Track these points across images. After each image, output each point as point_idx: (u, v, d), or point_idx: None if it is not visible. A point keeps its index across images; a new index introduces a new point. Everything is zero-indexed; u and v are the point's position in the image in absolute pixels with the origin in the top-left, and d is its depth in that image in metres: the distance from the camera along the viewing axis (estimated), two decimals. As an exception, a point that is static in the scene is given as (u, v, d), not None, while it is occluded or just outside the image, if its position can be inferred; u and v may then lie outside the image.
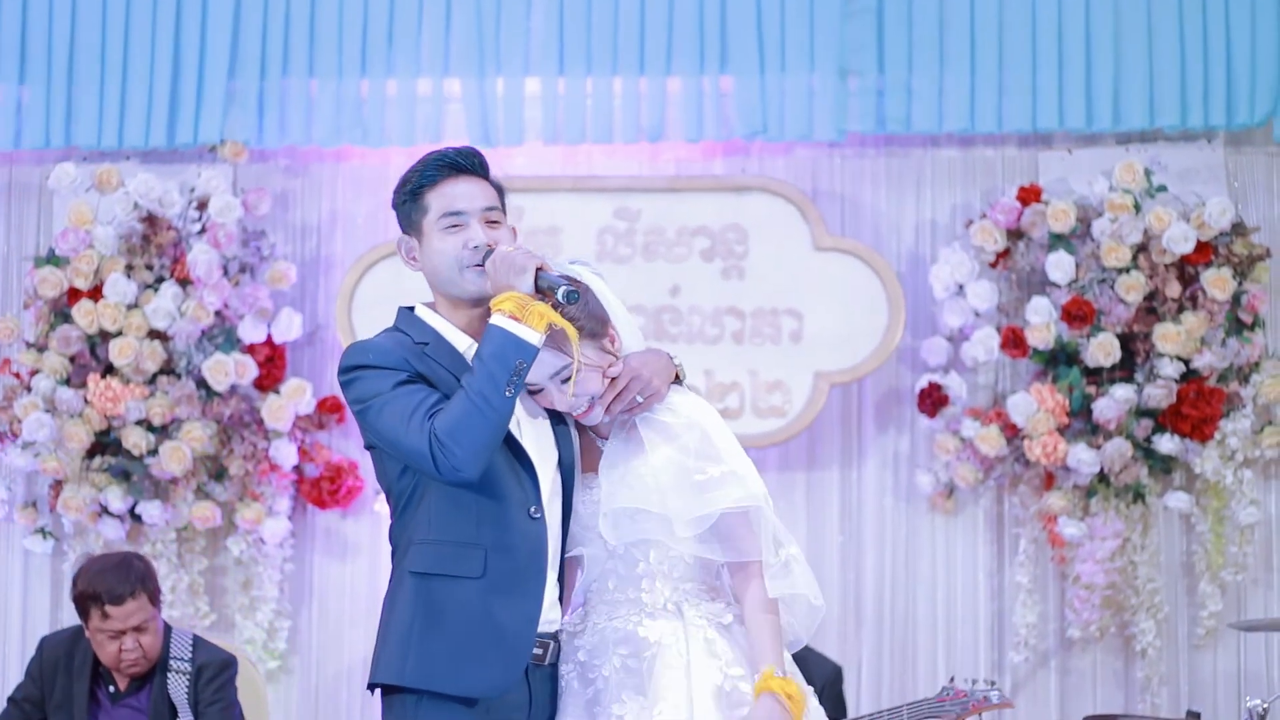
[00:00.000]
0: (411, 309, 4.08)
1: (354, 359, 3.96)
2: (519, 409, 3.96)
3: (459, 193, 3.98)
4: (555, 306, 3.84)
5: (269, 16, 7.41)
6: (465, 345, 3.98)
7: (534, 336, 3.81)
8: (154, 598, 5.76)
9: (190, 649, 5.86)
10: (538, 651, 3.96)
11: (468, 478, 3.81)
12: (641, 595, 4.04)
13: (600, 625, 4.05)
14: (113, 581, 5.68)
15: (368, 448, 4.03)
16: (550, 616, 4.01)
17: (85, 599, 5.71)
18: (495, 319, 3.83)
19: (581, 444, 4.13)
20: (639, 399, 4.04)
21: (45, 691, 5.89)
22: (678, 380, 4.15)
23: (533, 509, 3.94)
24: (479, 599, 3.88)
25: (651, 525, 4.00)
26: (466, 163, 4.01)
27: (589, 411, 4.02)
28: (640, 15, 7.34)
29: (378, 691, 3.97)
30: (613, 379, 4.02)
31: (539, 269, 3.86)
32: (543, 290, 3.85)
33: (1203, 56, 7.26)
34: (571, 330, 3.88)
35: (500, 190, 4.06)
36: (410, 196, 4.00)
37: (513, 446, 3.93)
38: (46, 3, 7.44)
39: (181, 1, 7.41)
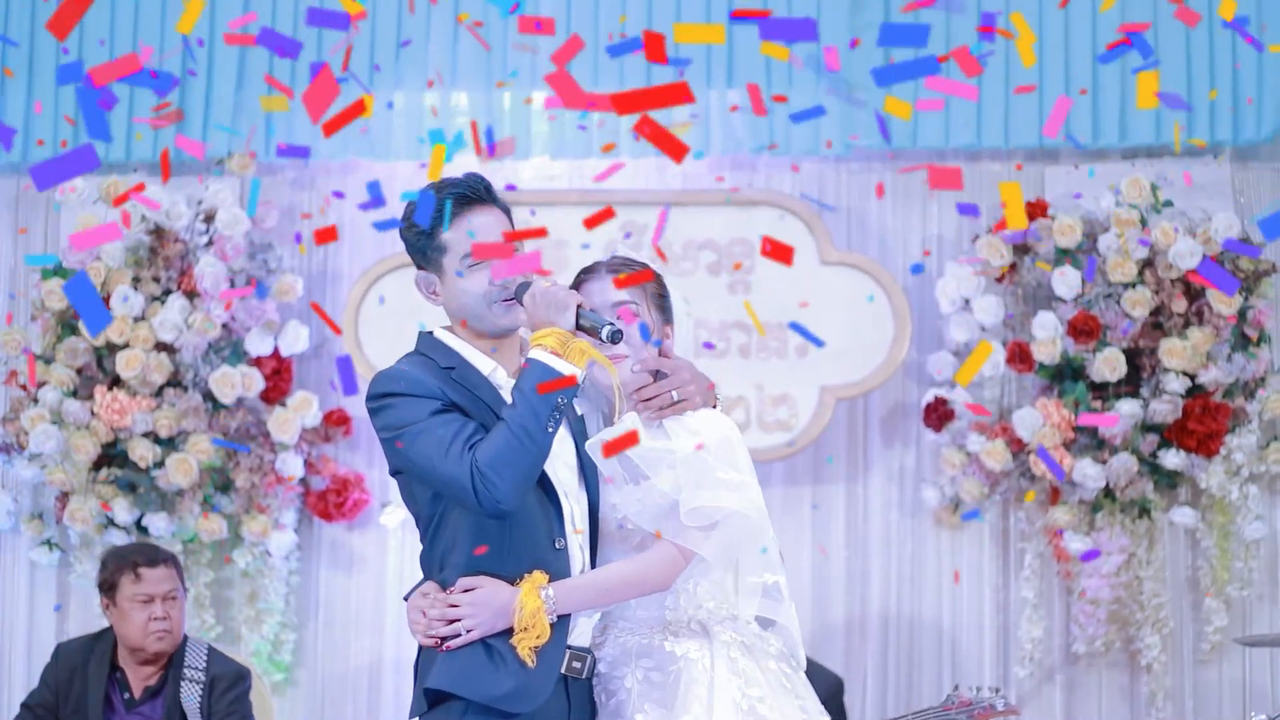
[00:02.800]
0: (431, 333, 4.08)
1: (385, 386, 3.95)
2: None
3: (476, 227, 3.96)
4: (598, 345, 3.87)
5: (277, 29, 7.42)
6: (489, 369, 4.00)
7: (575, 373, 3.83)
8: (181, 579, 6.02)
9: (205, 659, 5.93)
10: (575, 665, 4.01)
11: (507, 510, 3.84)
12: (665, 613, 4.07)
13: (622, 639, 4.08)
14: (147, 550, 6.07)
15: (394, 474, 4.04)
16: (584, 630, 4.06)
17: (118, 568, 5.93)
18: (536, 353, 3.85)
19: None
20: (675, 396, 4.05)
21: (60, 697, 5.95)
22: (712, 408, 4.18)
23: (557, 540, 3.97)
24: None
25: (642, 495, 4.01)
26: (475, 194, 4.00)
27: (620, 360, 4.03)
28: (647, 26, 7.35)
29: (394, 704, 4.03)
30: (663, 356, 4.07)
31: (579, 305, 3.88)
32: (584, 328, 3.87)
33: (1209, 72, 7.28)
34: (612, 368, 3.93)
35: (508, 212, 4.06)
36: (425, 235, 3.99)
37: (540, 477, 3.94)
38: (55, 16, 7.45)
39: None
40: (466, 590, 3.94)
